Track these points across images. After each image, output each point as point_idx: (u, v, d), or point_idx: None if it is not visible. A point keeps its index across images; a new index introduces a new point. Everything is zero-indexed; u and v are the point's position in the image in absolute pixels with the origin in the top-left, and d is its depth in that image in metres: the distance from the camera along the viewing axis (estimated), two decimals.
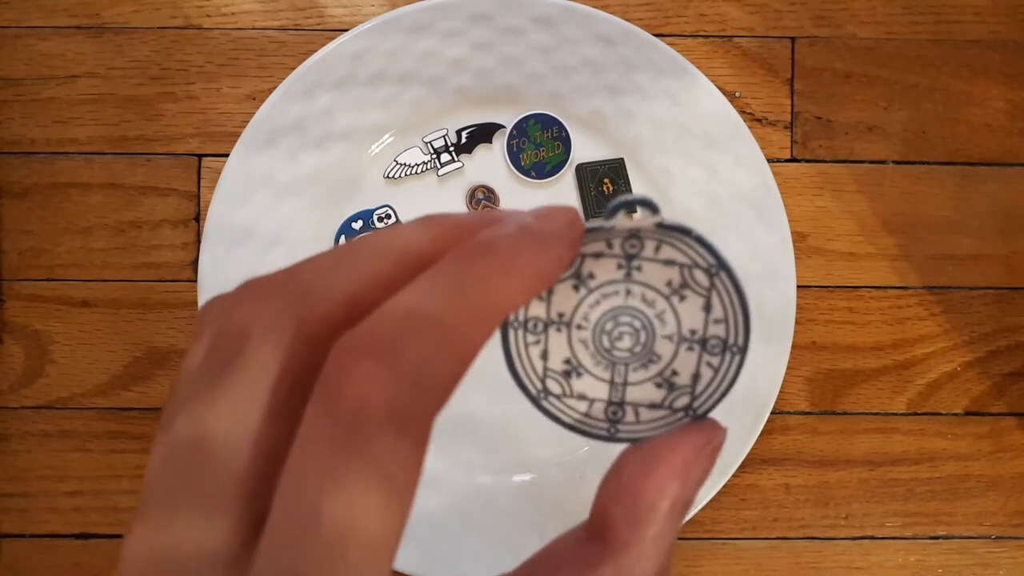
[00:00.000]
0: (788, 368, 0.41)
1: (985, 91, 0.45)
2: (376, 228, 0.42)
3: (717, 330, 0.19)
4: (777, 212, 0.41)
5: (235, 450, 0.14)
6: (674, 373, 0.20)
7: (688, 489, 0.17)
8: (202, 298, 0.40)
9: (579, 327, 0.19)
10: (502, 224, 0.16)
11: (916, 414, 0.45)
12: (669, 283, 0.19)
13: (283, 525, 0.12)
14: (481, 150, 0.43)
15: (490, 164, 0.43)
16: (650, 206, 0.17)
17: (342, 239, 0.42)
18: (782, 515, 0.44)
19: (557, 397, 0.20)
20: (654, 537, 0.17)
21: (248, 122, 0.40)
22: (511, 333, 0.19)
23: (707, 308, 0.19)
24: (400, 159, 0.42)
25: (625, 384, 0.20)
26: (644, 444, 0.19)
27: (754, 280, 0.42)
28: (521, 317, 0.19)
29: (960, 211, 0.45)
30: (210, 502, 0.13)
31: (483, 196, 0.43)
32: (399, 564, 0.41)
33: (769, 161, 0.41)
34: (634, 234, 0.18)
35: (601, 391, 0.19)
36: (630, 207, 0.18)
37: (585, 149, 0.43)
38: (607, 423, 0.20)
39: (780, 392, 0.41)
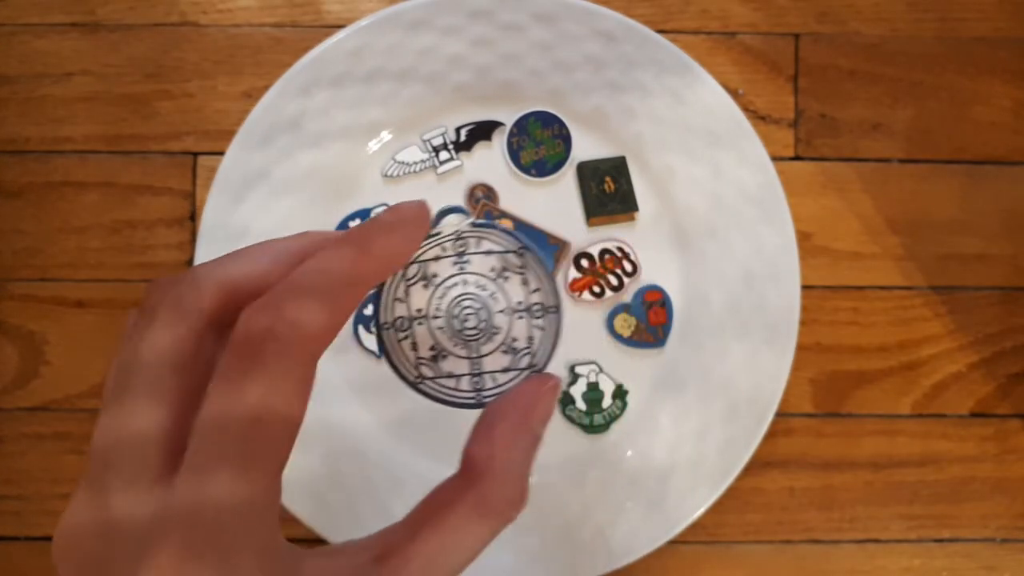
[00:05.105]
0: (792, 370, 0.41)
1: (991, 89, 0.45)
2: None
3: (536, 298, 0.25)
4: (781, 211, 0.41)
5: (165, 361, 0.19)
6: (514, 340, 0.25)
7: (532, 426, 0.22)
8: None
9: (435, 317, 0.24)
10: (360, 226, 0.21)
11: (921, 416, 0.44)
12: (493, 269, 0.24)
13: (214, 405, 0.18)
14: (480, 148, 0.42)
15: (490, 162, 0.42)
16: (463, 212, 0.26)
17: None
18: (786, 518, 0.44)
19: (431, 380, 0.24)
20: (507, 466, 0.22)
21: (244, 120, 0.40)
22: (385, 334, 0.25)
23: (525, 283, 0.25)
24: (398, 157, 0.42)
25: (480, 356, 0.25)
26: (498, 399, 0.23)
27: (758, 280, 0.41)
28: (390, 319, 0.25)
29: (966, 210, 0.45)
30: (151, 393, 0.19)
31: (483, 195, 0.42)
32: None
33: (773, 159, 0.41)
34: (459, 236, 0.24)
35: (463, 367, 0.25)
36: (449, 213, 0.25)
37: (586, 147, 0.42)
38: (473, 392, 0.24)
39: (784, 394, 0.41)
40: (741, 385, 0.41)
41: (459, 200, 0.42)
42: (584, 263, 0.42)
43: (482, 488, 0.22)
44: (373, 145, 0.42)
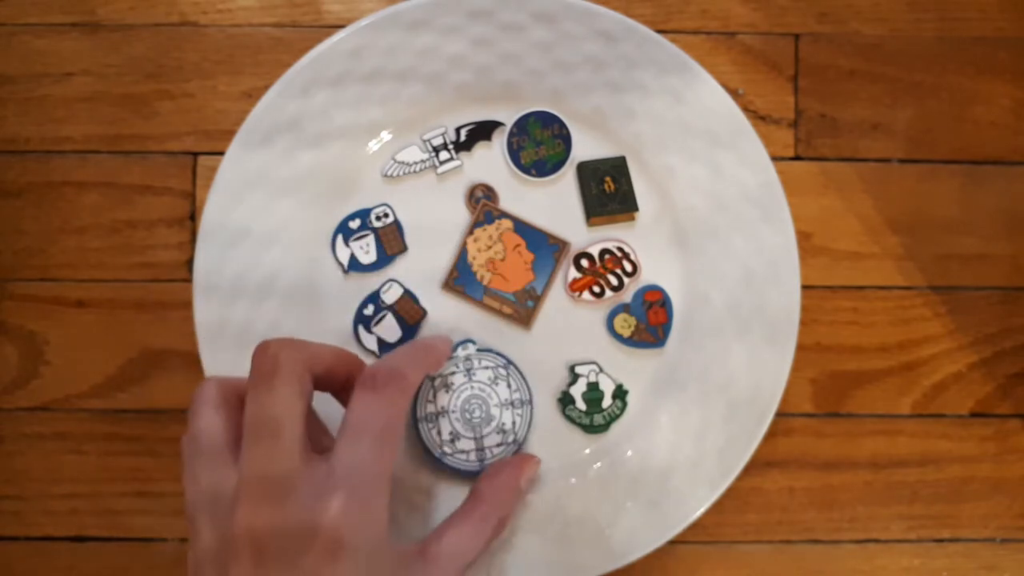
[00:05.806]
0: (792, 370, 0.41)
1: (991, 89, 0.45)
2: (374, 226, 0.42)
3: (516, 396, 0.39)
4: (781, 211, 0.41)
5: (294, 414, 0.29)
6: (503, 424, 0.39)
7: (521, 484, 0.37)
8: (197, 298, 0.40)
9: (452, 411, 0.38)
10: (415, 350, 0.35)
11: (921, 416, 0.44)
12: (489, 378, 0.39)
13: (346, 448, 0.29)
14: (480, 148, 0.42)
15: (489, 162, 0.42)
16: (472, 342, 0.39)
17: (339, 238, 0.41)
18: (786, 518, 0.44)
19: (451, 455, 0.38)
20: (503, 497, 0.36)
21: (244, 120, 0.40)
22: (420, 426, 0.38)
23: (509, 386, 0.39)
24: (398, 157, 0.42)
25: (482, 437, 0.38)
26: (498, 461, 0.38)
27: (758, 280, 0.41)
28: (423, 414, 0.38)
29: (966, 210, 0.45)
30: (295, 427, 0.29)
31: (482, 195, 0.42)
32: None
33: (773, 159, 0.41)
34: (467, 358, 0.39)
35: (471, 445, 0.38)
36: (463, 344, 0.39)
37: (586, 147, 0.42)
38: (478, 462, 0.38)
39: (784, 394, 0.41)
40: (741, 385, 0.41)
41: (459, 200, 0.42)
42: (584, 263, 0.42)
43: (486, 508, 0.35)
44: (373, 145, 0.42)
